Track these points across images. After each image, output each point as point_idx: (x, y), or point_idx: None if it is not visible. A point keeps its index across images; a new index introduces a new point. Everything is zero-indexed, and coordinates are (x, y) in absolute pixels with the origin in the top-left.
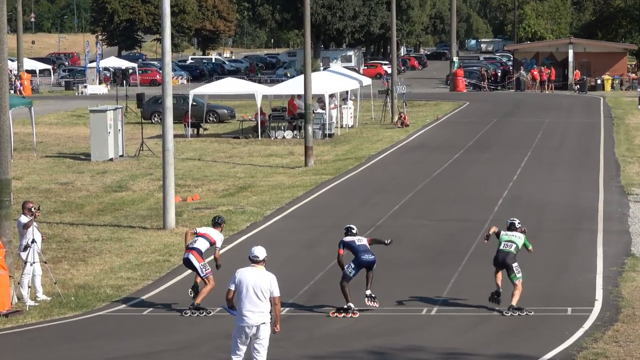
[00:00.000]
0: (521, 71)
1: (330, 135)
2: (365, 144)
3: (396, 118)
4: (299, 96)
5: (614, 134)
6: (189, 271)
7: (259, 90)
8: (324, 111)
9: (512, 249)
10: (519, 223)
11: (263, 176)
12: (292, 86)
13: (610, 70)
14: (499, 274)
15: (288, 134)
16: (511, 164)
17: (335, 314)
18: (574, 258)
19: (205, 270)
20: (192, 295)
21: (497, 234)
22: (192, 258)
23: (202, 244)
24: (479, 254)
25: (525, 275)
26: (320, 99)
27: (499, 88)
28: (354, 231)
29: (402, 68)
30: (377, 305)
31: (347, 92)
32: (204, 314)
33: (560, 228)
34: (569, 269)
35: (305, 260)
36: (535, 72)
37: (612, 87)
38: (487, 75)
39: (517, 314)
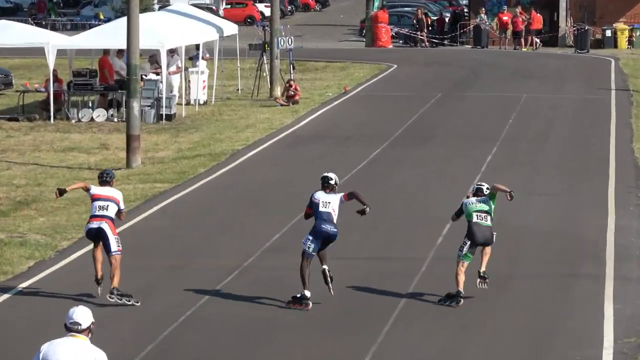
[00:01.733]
0: (482, 15)
1: (169, 118)
2: (226, 131)
3: (279, 90)
4: (119, 53)
5: (631, 118)
6: None
7: (51, 41)
8: (158, 77)
9: (489, 221)
10: (487, 188)
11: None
12: (107, 35)
13: (626, 15)
14: (464, 266)
15: (99, 115)
16: (466, 166)
17: (290, 304)
18: (566, 322)
19: (118, 246)
20: (101, 286)
21: (460, 213)
22: (107, 228)
23: (113, 210)
24: (413, 315)
25: (487, 342)
26: (153, 58)
27: (446, 42)
28: (331, 182)
29: (289, 8)
30: (329, 285)
31: (197, 46)
32: (132, 302)
33: (545, 272)
34: (557, 339)
35: (131, 323)
36: (505, 17)
37: (630, 42)
38: (428, 21)
39: (485, 285)
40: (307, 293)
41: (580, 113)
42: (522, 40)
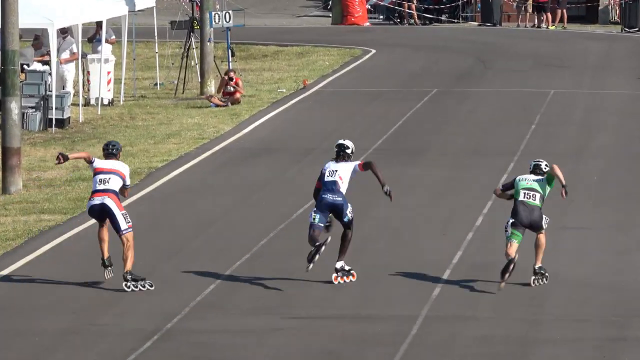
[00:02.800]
0: None
1: (61, 124)
2: (141, 142)
3: (213, 86)
4: None
5: None
6: None
7: None
8: (46, 68)
9: (537, 201)
10: (546, 166)
11: None
12: None
13: None
14: (512, 246)
15: None
16: (473, 192)
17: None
18: None
19: (128, 223)
20: (109, 269)
21: (509, 187)
22: (111, 203)
23: (116, 184)
24: None
25: None
26: (39, 41)
27: (443, 18)
28: (347, 151)
29: None
30: (351, 280)
31: (99, 25)
32: (146, 286)
33: (581, 335)
34: None
35: None
36: None
37: None
38: None
39: (542, 281)
40: (311, 266)
41: (629, 117)
42: (549, 14)
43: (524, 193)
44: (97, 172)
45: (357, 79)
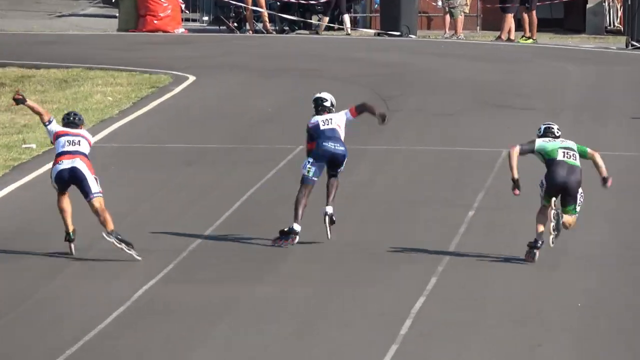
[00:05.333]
0: None
1: None
2: None
3: None
4: None
5: None
6: None
7: None
8: None
9: (578, 162)
10: (558, 129)
11: None
12: None
13: None
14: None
15: None
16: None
17: (275, 242)
18: None
19: (99, 187)
20: (73, 241)
21: (528, 150)
22: (83, 167)
23: (86, 147)
24: None
25: None
26: None
27: (315, 21)
28: (326, 104)
29: None
30: (327, 231)
31: None
32: (132, 252)
33: None
34: None
35: None
36: None
37: None
38: None
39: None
40: (297, 227)
41: (633, 200)
42: (509, 19)
43: (564, 152)
44: (60, 134)
45: (162, 128)
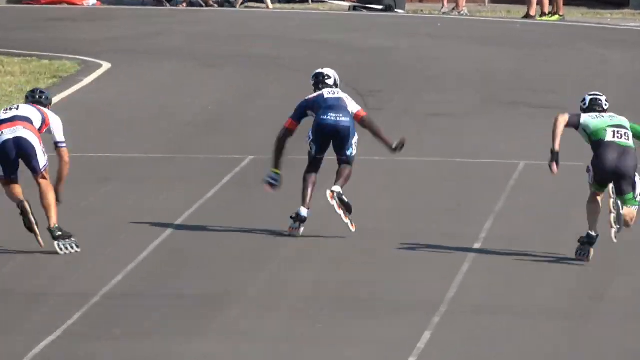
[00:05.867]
0: None
1: None
2: None
3: None
4: None
5: None
6: None
7: None
8: None
9: (631, 141)
10: (607, 101)
11: None
12: None
13: None
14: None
15: None
16: None
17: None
18: None
19: (46, 160)
20: (33, 225)
21: (574, 124)
22: (30, 135)
23: (33, 115)
24: None
25: None
26: None
27: None
28: (328, 81)
29: None
30: (341, 214)
31: None
32: (74, 246)
33: None
34: None
35: None
36: None
37: None
38: None
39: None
40: (304, 211)
41: None
42: None
43: (613, 131)
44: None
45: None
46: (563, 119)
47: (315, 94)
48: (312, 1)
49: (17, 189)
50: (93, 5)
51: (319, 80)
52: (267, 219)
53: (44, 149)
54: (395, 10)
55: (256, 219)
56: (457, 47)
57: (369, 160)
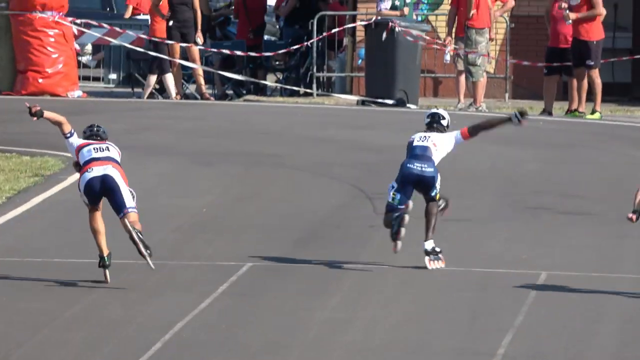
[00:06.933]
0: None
1: None
2: None
3: None
4: None
5: None
6: None
7: None
8: None
9: None
10: None
11: None
12: None
13: None
14: None
15: None
16: None
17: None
18: None
19: (135, 200)
20: (108, 267)
21: None
22: (116, 174)
23: (116, 154)
24: None
25: None
26: None
27: (270, 83)
28: (443, 122)
29: None
30: (442, 265)
31: None
32: (150, 260)
33: None
34: None
35: None
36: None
37: None
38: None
39: None
40: (399, 242)
41: None
42: (575, 81)
43: None
44: (83, 145)
45: (49, 236)
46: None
47: (412, 137)
48: (317, 94)
49: (98, 219)
50: (78, 97)
51: (433, 120)
52: (266, 332)
53: (131, 191)
54: (408, 105)
55: (255, 332)
56: (475, 146)
57: (380, 267)
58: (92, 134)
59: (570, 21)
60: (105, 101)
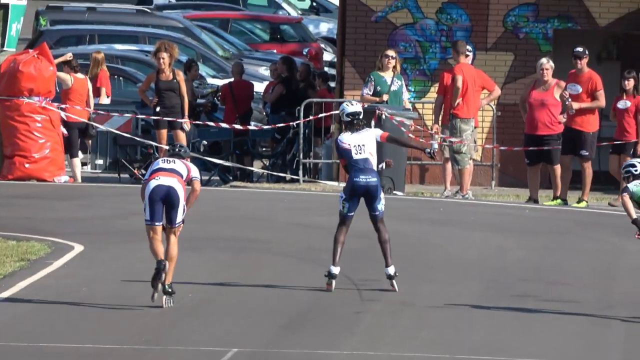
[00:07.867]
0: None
1: None
2: None
3: None
4: None
5: None
6: None
7: None
8: None
9: None
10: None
11: None
12: None
13: None
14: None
15: None
16: None
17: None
18: None
19: (183, 217)
20: (158, 285)
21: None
22: (180, 190)
23: (182, 168)
24: None
25: None
26: None
27: (257, 170)
28: (360, 117)
29: None
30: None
31: None
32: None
33: None
34: None
35: None
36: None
37: None
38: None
39: None
40: (334, 270)
41: None
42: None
43: None
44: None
45: (35, 321)
46: (627, 197)
47: (342, 143)
48: (304, 181)
49: (160, 245)
50: (65, 182)
51: (354, 118)
52: None
53: (185, 207)
54: (394, 192)
55: None
56: (461, 234)
57: (365, 355)
58: (174, 153)
59: (574, 110)
60: (90, 186)
